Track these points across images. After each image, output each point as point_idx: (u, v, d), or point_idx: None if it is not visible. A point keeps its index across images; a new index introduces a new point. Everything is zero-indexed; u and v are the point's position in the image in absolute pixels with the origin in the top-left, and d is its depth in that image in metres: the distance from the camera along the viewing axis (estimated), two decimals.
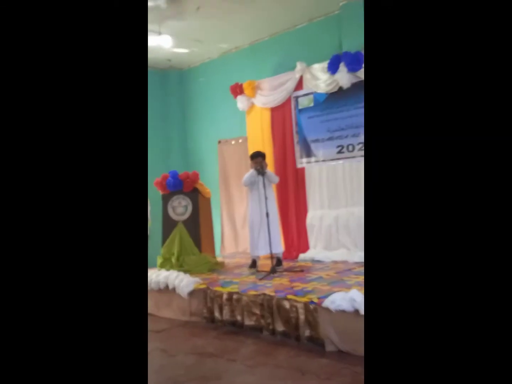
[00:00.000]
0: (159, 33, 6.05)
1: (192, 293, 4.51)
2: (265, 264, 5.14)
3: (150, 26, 5.81)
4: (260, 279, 4.51)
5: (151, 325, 4.39)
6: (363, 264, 4.88)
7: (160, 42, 6.25)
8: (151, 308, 4.91)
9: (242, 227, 6.76)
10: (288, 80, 6.03)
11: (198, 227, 5.41)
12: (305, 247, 5.89)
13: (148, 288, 4.87)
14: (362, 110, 5.29)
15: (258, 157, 5.16)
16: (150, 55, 6.77)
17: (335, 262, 5.25)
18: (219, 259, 5.89)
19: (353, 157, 5.48)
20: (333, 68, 5.42)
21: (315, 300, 3.54)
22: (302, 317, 3.59)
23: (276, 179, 5.34)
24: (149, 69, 7.30)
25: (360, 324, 3.22)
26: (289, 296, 3.75)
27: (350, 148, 5.52)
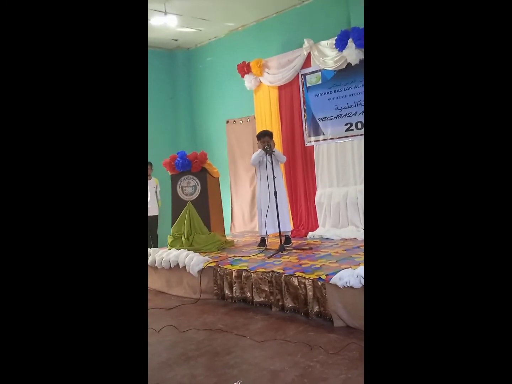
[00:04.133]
0: (165, 13, 5.99)
1: (202, 271, 4.57)
2: (274, 243, 5.18)
3: (155, 6, 5.77)
4: (269, 257, 4.56)
5: (162, 303, 4.48)
6: None
7: (166, 22, 6.19)
8: (162, 286, 5.00)
9: (251, 206, 6.80)
10: (296, 57, 5.97)
11: (207, 207, 5.46)
12: (314, 225, 5.92)
13: (159, 266, 4.96)
14: None
15: (265, 137, 5.15)
16: (156, 35, 6.74)
17: (344, 240, 5.28)
18: (228, 237, 5.95)
19: (362, 134, 5.44)
20: (341, 44, 5.34)
21: (323, 277, 3.58)
22: (310, 293, 3.63)
23: (284, 158, 5.34)
24: (155, 49, 7.29)
25: None
26: (298, 273, 3.79)
27: (359, 125, 5.49)
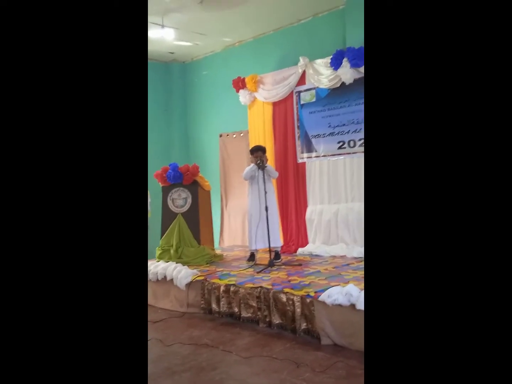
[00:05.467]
0: (162, 26, 6.04)
1: (190, 285, 4.53)
2: (264, 258, 5.16)
3: (153, 19, 5.81)
4: (258, 272, 4.53)
5: (148, 315, 4.41)
6: (362, 259, 4.92)
7: (163, 35, 6.23)
8: (149, 298, 4.93)
9: (242, 221, 6.78)
10: (291, 74, 6.02)
11: (197, 220, 5.43)
12: (304, 242, 5.91)
13: None
14: (363, 106, 5.29)
15: (258, 151, 5.17)
16: (153, 47, 6.77)
17: (334, 257, 5.27)
18: (217, 251, 5.91)
19: (354, 152, 5.48)
20: (336, 63, 5.41)
21: (312, 294, 3.56)
22: (298, 310, 3.61)
23: (276, 174, 5.35)
24: (152, 61, 7.32)
25: (356, 319, 3.24)
26: (286, 289, 3.77)
27: (351, 144, 5.52)
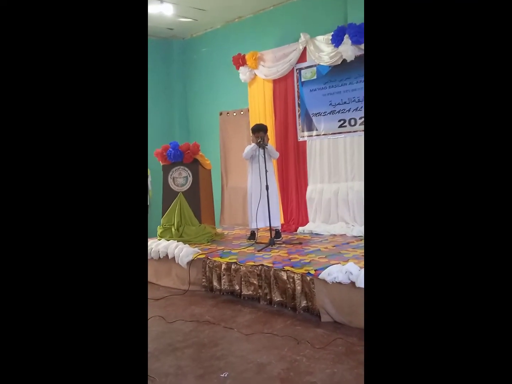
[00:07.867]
0: (161, 1, 5.94)
1: (191, 263, 4.57)
2: (264, 236, 5.19)
3: None
4: (259, 251, 4.57)
5: (150, 293, 4.46)
6: (361, 238, 4.95)
7: (162, 10, 6.12)
8: (150, 277, 4.99)
9: (242, 199, 6.79)
10: (292, 51, 5.95)
11: (198, 198, 5.45)
12: (304, 220, 5.93)
13: (148, 257, 4.94)
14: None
15: (259, 131, 5.13)
16: (151, 23, 6.66)
17: (334, 236, 5.30)
18: (218, 230, 5.95)
19: (355, 131, 5.45)
20: (337, 40, 5.33)
21: (312, 272, 3.60)
22: (298, 288, 3.65)
23: (276, 154, 5.33)
24: (150, 38, 7.22)
25: (355, 296, 3.28)
26: (287, 268, 3.81)
27: (352, 122, 5.49)
